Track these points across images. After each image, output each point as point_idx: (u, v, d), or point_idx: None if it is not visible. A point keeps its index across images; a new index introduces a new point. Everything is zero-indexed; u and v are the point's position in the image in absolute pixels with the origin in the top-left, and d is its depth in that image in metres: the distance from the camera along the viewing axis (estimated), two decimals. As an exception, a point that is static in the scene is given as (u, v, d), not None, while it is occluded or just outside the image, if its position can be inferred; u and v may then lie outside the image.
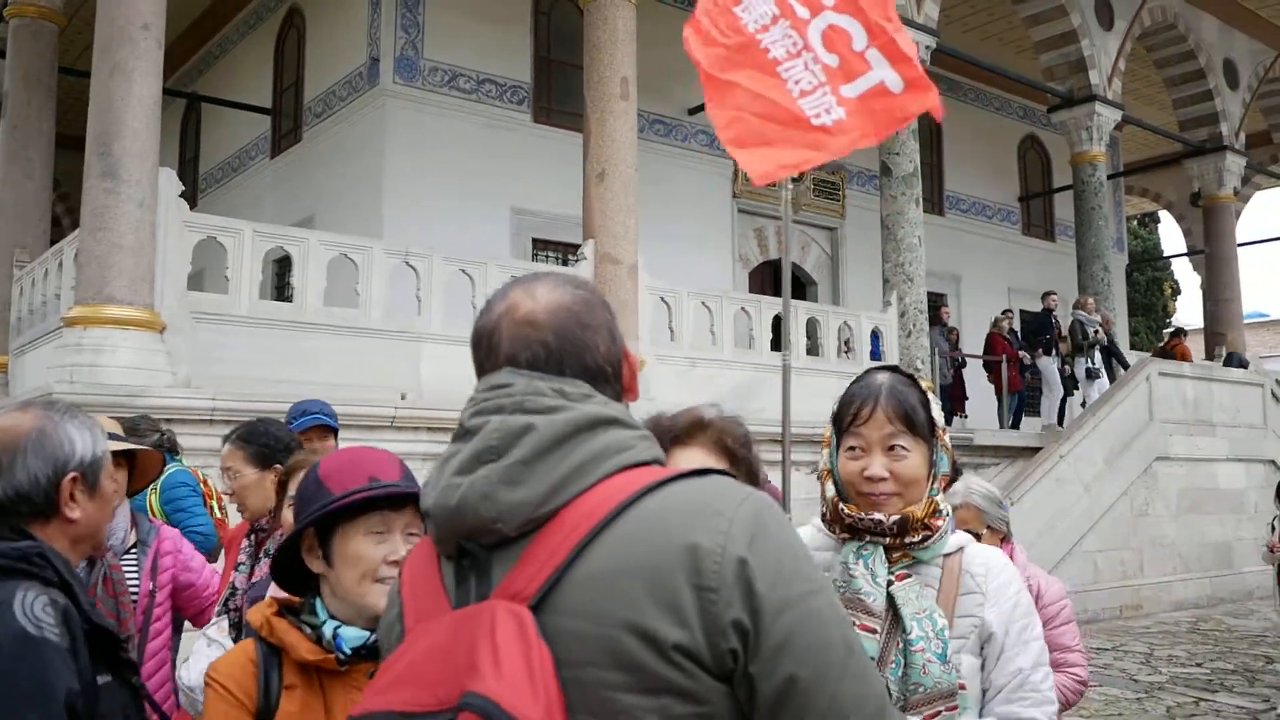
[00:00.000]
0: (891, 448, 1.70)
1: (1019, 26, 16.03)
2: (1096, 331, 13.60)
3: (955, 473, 3.33)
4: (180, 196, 7.52)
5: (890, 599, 1.66)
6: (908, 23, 12.05)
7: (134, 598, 2.80)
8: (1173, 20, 16.73)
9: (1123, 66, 15.59)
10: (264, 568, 2.72)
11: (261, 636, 1.62)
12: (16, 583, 1.52)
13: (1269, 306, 71.73)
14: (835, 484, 1.78)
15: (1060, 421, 13.24)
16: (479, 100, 12.37)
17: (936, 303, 15.12)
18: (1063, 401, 13.65)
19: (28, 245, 9.84)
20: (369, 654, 1.56)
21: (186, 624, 3.27)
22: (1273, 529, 7.58)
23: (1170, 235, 44.85)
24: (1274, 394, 14.21)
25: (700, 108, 13.84)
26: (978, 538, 2.74)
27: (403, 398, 7.74)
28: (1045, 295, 14.43)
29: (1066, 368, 13.74)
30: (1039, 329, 14.03)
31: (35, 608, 1.48)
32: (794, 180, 15.46)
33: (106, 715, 1.49)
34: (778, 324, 11.02)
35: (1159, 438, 12.42)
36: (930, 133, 17.04)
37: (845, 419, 1.75)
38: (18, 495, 1.60)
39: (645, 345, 9.40)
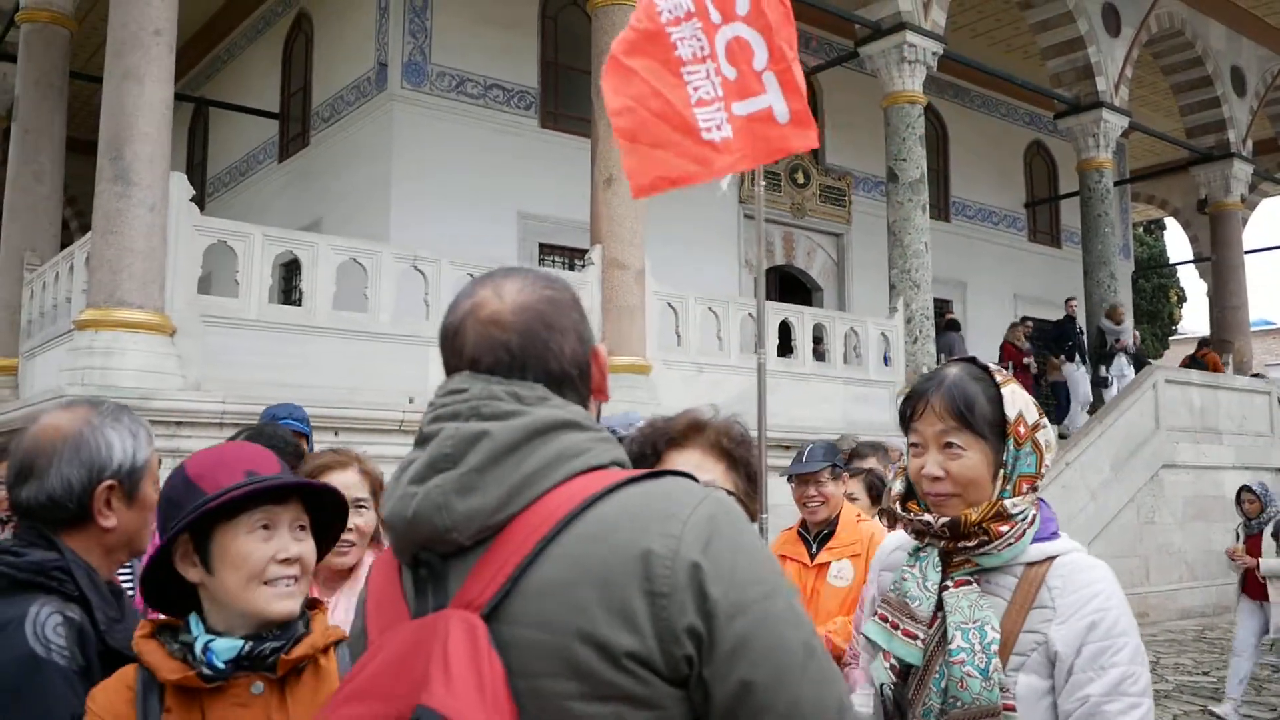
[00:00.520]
0: (946, 445, 1.60)
1: (1026, 33, 16.05)
2: (1117, 340, 13.56)
3: None
4: (190, 201, 7.56)
5: (941, 606, 1.57)
6: (915, 29, 12.09)
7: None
8: (1180, 27, 16.73)
9: (1130, 73, 15.59)
10: None
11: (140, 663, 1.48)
12: (32, 598, 1.48)
13: (1276, 314, 71.49)
14: (906, 481, 1.70)
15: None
16: (486, 105, 12.41)
17: (942, 309, 15.12)
18: (1091, 409, 13.57)
19: (38, 248, 9.87)
20: (251, 664, 1.45)
21: None
22: (1237, 536, 7.55)
23: (1176, 242, 44.83)
24: (1281, 402, 14.19)
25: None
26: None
27: (411, 401, 7.76)
28: (1066, 302, 14.35)
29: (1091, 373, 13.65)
30: (1060, 336, 13.95)
31: (47, 627, 1.44)
32: (800, 185, 15.40)
33: None
34: (785, 329, 11.02)
35: (1165, 445, 12.41)
36: (937, 138, 17.06)
37: (906, 414, 1.68)
38: (51, 501, 1.56)
39: (652, 350, 9.42)
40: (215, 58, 16.24)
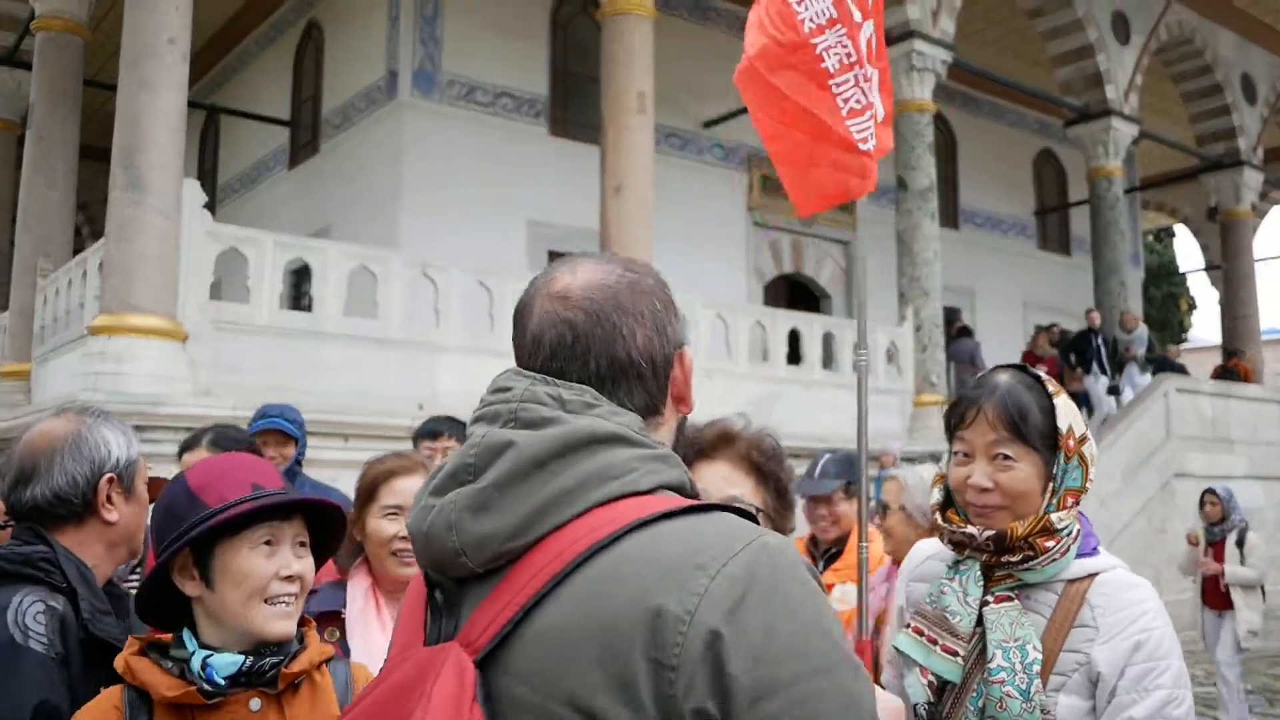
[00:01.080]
0: (996, 456, 1.54)
1: (1035, 41, 16.04)
2: (1127, 349, 13.51)
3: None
4: (203, 207, 7.61)
5: (981, 621, 1.52)
6: (924, 37, 12.10)
7: None
8: (1190, 35, 16.71)
9: (1140, 81, 15.56)
10: None
11: (127, 681, 1.43)
12: (17, 588, 1.51)
13: (1287, 322, 71.05)
14: (946, 490, 1.64)
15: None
16: (496, 113, 12.45)
17: (951, 317, 15.10)
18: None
19: (51, 254, 9.93)
20: (249, 680, 1.41)
21: None
22: (1200, 541, 7.27)
23: (1186, 250, 44.71)
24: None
25: (716, 121, 13.92)
26: None
27: (420, 408, 7.77)
28: (1087, 313, 14.25)
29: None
30: (1080, 347, 13.88)
31: (27, 616, 1.47)
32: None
33: None
34: (794, 337, 11.02)
35: (1176, 454, 12.36)
36: (945, 146, 17.05)
37: (953, 421, 1.61)
38: (56, 498, 1.61)
39: (661, 357, 9.42)
40: (227, 65, 16.33)
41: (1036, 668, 1.46)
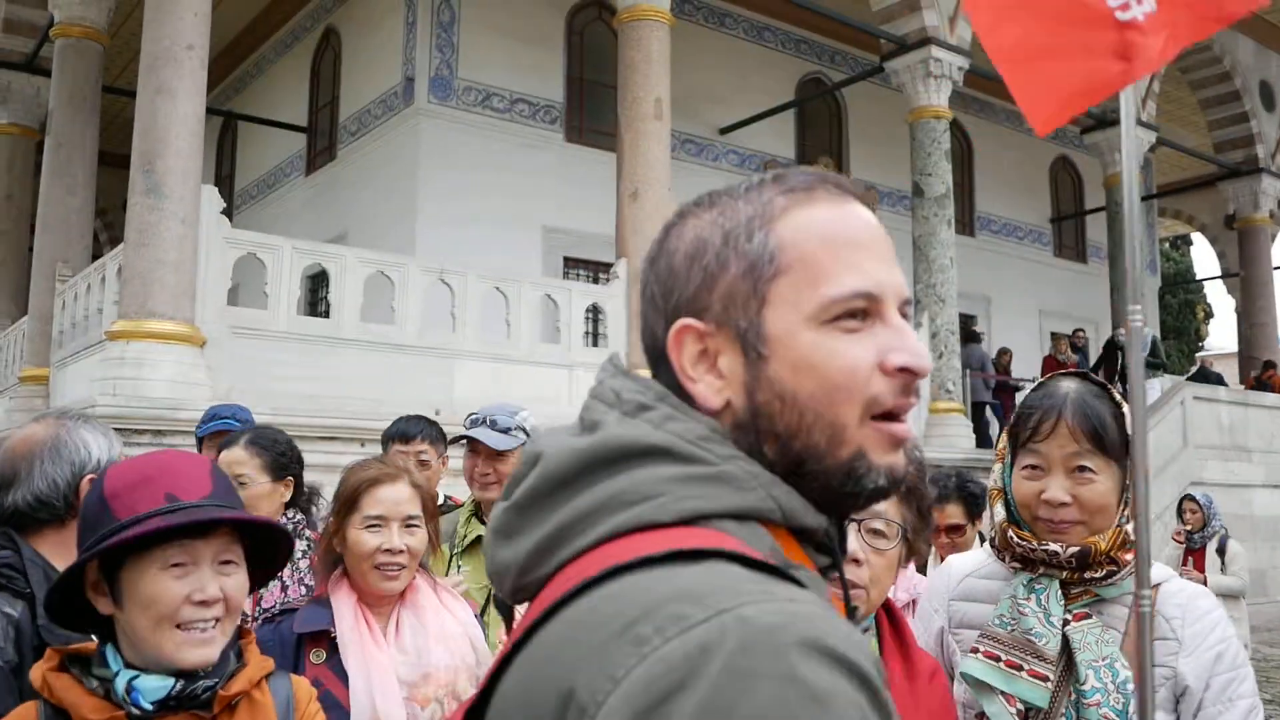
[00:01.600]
0: (1076, 469, 1.46)
1: (1051, 48, 15.96)
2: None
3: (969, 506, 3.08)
4: (221, 213, 7.64)
5: (1066, 642, 1.46)
6: (941, 44, 12.06)
7: None
8: (1208, 41, 16.62)
9: (1157, 88, 15.50)
10: (274, 592, 2.66)
11: (44, 698, 1.31)
12: None
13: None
14: (1007, 505, 1.55)
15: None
16: (512, 119, 12.48)
17: (966, 324, 15.04)
18: None
19: (70, 260, 9.99)
20: (178, 704, 1.30)
21: None
22: (1181, 549, 7.09)
23: (1203, 257, 44.42)
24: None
25: (732, 127, 13.92)
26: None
27: (437, 413, 7.76)
28: (1115, 330, 14.13)
29: None
30: (1105, 359, 13.77)
31: None
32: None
33: None
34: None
35: (1194, 463, 12.26)
36: (961, 152, 17.01)
37: (1022, 433, 1.51)
38: (37, 501, 1.61)
39: (676, 364, 9.42)
40: (244, 72, 16.43)
41: (1130, 686, 1.41)
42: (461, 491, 3.25)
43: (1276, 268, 18.82)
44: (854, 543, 1.43)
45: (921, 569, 2.79)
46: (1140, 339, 1.67)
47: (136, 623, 1.30)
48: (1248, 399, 13.69)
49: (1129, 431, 1.49)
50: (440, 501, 3.29)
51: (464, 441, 2.83)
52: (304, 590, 2.65)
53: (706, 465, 0.70)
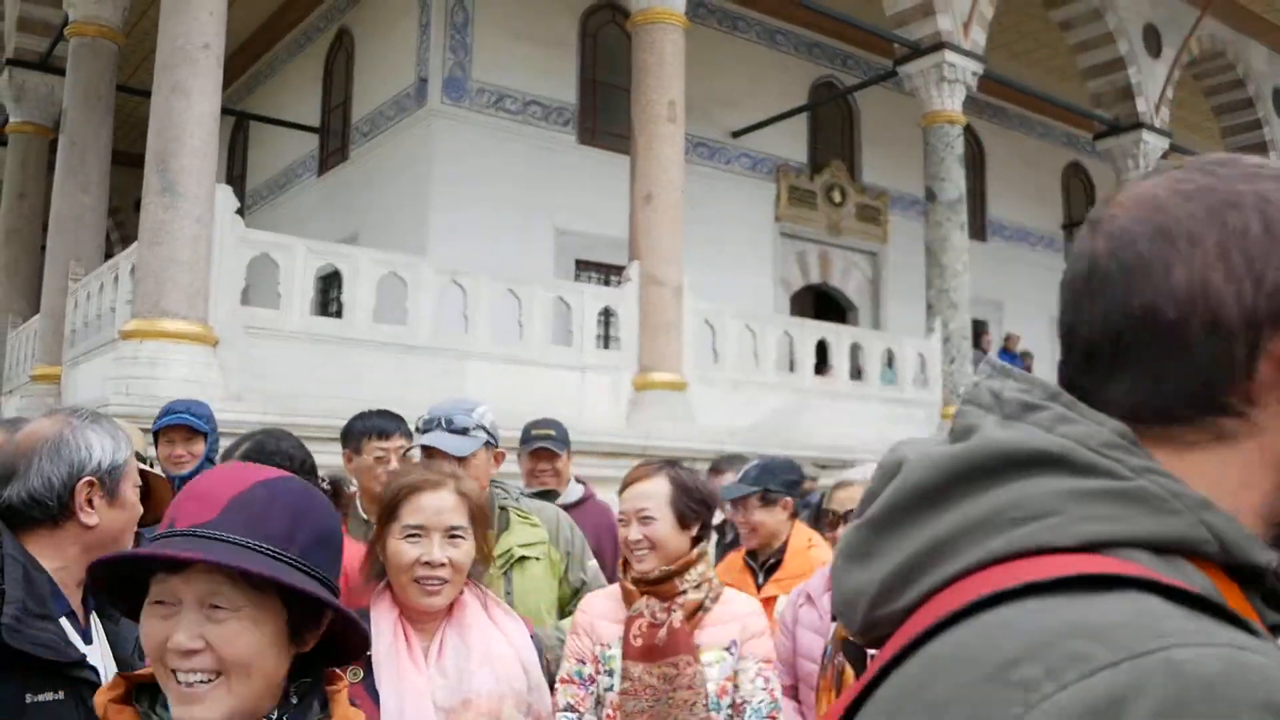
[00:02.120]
0: None
1: (1065, 53, 15.93)
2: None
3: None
4: (235, 213, 7.64)
5: None
6: (955, 49, 12.03)
7: None
8: (1221, 48, 16.56)
9: (1170, 94, 15.43)
10: None
11: None
12: None
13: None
14: None
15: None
16: (525, 121, 12.47)
17: (978, 329, 14.99)
18: None
19: (83, 258, 10.00)
20: None
21: None
22: None
23: (1214, 265, 44.28)
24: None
25: (745, 130, 13.90)
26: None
27: (448, 415, 7.77)
28: None
29: None
30: None
31: None
32: (836, 203, 15.30)
33: None
34: (822, 348, 10.96)
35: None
36: (974, 158, 16.95)
37: None
38: (31, 499, 1.59)
39: (689, 367, 9.39)
40: (257, 72, 16.46)
41: None
42: None
43: (1290, 275, 18.72)
44: None
45: None
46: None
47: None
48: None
49: None
50: None
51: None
52: None
53: (1114, 479, 0.56)
